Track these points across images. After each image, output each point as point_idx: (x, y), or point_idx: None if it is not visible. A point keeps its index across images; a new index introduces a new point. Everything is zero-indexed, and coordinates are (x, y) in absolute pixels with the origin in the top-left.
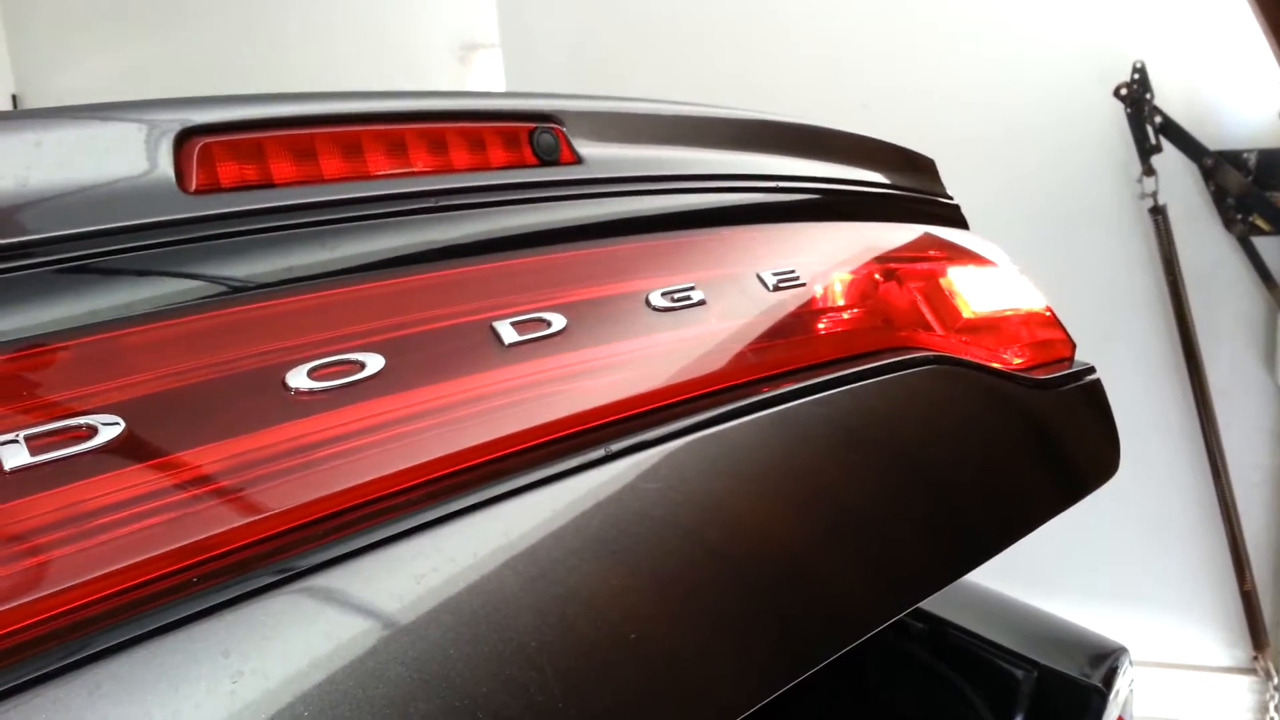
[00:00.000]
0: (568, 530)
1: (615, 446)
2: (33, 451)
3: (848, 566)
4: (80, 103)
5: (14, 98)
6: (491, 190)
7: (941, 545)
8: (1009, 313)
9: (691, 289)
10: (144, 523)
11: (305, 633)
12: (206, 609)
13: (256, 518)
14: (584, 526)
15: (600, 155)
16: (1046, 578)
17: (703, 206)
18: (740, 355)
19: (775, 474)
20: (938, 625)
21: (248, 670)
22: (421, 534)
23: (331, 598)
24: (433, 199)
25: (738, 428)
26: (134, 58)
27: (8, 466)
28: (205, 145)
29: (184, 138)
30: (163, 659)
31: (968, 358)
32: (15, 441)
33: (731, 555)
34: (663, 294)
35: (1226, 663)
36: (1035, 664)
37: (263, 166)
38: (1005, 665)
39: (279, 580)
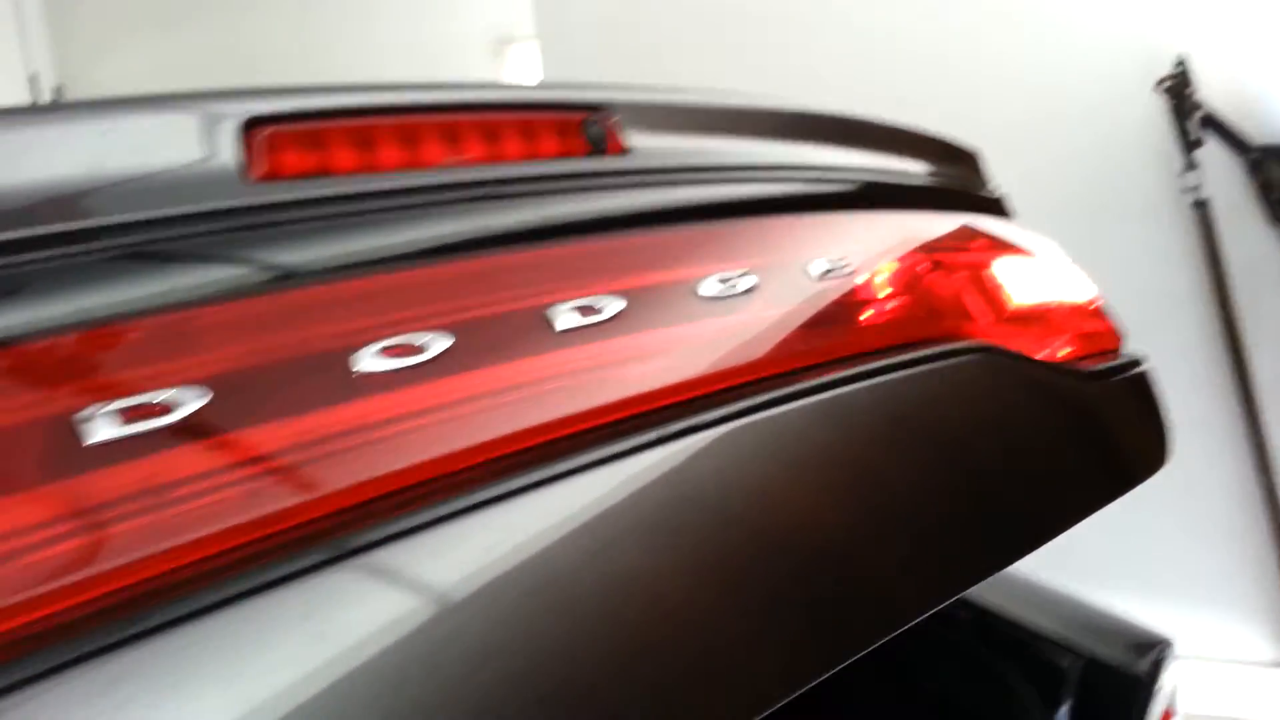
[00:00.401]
0: (619, 511)
1: (667, 430)
2: (122, 422)
3: (893, 554)
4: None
5: (57, 89)
6: (543, 180)
7: (987, 534)
8: (1056, 303)
9: (739, 277)
10: (229, 491)
11: (378, 600)
12: (289, 574)
13: (336, 489)
14: (635, 508)
15: (648, 145)
16: (1088, 570)
17: (749, 196)
18: (788, 343)
19: (823, 460)
20: (981, 614)
21: (327, 632)
22: (485, 510)
23: (403, 569)
24: (485, 187)
25: (787, 414)
26: (174, 50)
27: (96, 440)
28: (270, 134)
29: (249, 127)
30: (246, 622)
31: (1014, 349)
32: (101, 416)
33: (779, 540)
34: (712, 281)
35: (1274, 657)
36: (1080, 654)
37: (324, 155)
38: (1050, 654)
39: (355, 550)
